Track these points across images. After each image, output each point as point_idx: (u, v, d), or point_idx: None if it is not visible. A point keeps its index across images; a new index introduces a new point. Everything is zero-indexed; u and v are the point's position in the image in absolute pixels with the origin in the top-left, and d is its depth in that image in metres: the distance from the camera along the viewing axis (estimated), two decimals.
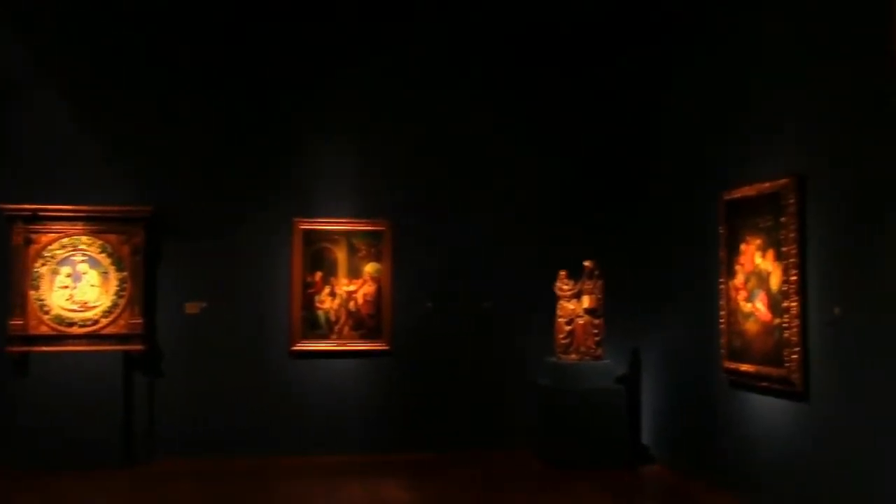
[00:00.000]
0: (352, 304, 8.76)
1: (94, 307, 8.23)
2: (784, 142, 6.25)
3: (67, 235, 8.21)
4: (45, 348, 8.08)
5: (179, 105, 8.55)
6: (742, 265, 6.72)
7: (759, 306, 6.44)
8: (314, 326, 8.70)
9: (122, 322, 8.24)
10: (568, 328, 8.50)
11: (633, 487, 8.01)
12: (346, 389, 8.71)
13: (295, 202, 8.72)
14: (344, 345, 8.74)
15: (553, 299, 8.56)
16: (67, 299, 8.19)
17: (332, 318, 8.73)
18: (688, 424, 7.95)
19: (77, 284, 8.21)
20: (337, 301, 8.74)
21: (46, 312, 8.13)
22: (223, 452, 8.33)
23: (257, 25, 8.70)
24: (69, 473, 7.75)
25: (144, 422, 8.33)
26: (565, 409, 8.28)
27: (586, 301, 8.43)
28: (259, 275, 8.67)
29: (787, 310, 6.00)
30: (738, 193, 6.75)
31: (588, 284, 8.45)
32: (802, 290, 5.90)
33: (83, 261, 8.23)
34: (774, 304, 6.22)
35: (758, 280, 6.47)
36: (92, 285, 8.24)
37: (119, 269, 8.27)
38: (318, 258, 8.73)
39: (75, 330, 8.18)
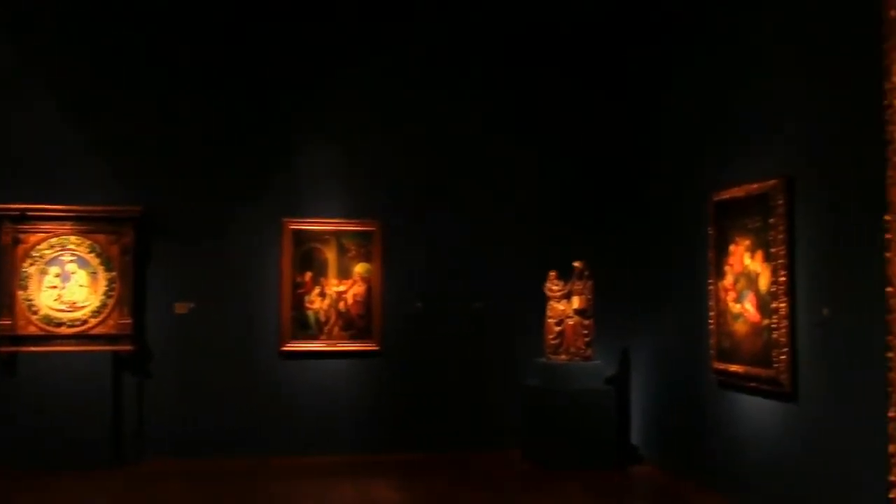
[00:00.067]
0: (341, 304, 8.75)
1: (83, 307, 8.20)
2: (773, 143, 6.27)
3: (56, 235, 8.18)
4: (33, 348, 8.05)
5: (170, 105, 8.53)
6: (731, 266, 6.74)
7: (748, 307, 6.46)
8: (304, 327, 8.69)
9: (111, 322, 8.21)
10: (558, 329, 8.51)
11: (622, 488, 8.03)
12: (335, 390, 8.70)
13: (285, 202, 8.70)
14: (334, 345, 8.73)
15: (543, 300, 8.57)
16: (56, 299, 8.16)
17: (322, 318, 8.72)
18: (677, 425, 7.98)
19: (66, 284, 8.18)
20: (327, 301, 8.73)
21: (35, 312, 8.09)
22: (212, 453, 8.31)
23: (246, 26, 8.68)
24: (58, 473, 7.71)
25: (133, 422, 8.30)
26: (555, 409, 8.29)
27: (576, 302, 8.45)
28: (248, 275, 8.65)
29: (776, 311, 6.02)
30: (727, 194, 6.77)
31: (578, 285, 8.46)
32: (791, 291, 5.92)
33: (72, 261, 8.20)
34: (763, 305, 6.24)
35: (747, 281, 6.49)
36: (81, 285, 8.21)
37: (108, 269, 8.24)
38: (308, 258, 8.72)
39: (64, 330, 8.15)
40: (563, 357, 8.47)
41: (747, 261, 6.49)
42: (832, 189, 5.57)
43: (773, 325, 6.06)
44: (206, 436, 8.38)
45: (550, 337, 8.53)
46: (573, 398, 8.27)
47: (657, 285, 8.34)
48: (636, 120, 8.84)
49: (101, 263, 8.24)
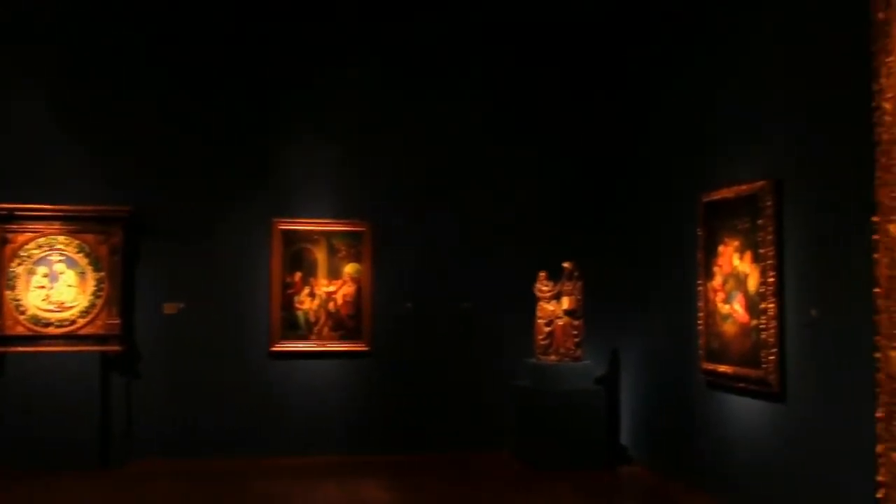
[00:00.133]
0: (331, 304, 8.74)
1: (71, 307, 8.17)
2: (761, 145, 6.29)
3: (44, 235, 8.15)
4: (21, 349, 8.01)
5: (160, 105, 8.51)
6: (720, 267, 6.76)
7: (737, 308, 6.48)
8: (293, 327, 8.67)
9: (99, 322, 8.18)
10: (547, 329, 8.52)
11: (612, 488, 8.04)
12: (325, 390, 8.69)
13: (274, 202, 8.70)
14: (323, 345, 8.72)
15: (533, 300, 8.58)
16: (44, 299, 8.12)
17: (312, 318, 8.71)
18: (666, 425, 7.99)
19: (54, 284, 8.15)
20: (316, 302, 8.72)
21: (22, 313, 8.06)
22: (201, 453, 8.28)
23: (237, 27, 8.67)
24: (46, 474, 7.66)
25: (122, 423, 8.27)
26: (545, 409, 8.30)
27: (566, 302, 8.46)
28: (238, 275, 8.63)
29: (765, 311, 6.04)
30: (716, 195, 6.80)
31: (567, 286, 8.47)
32: (779, 292, 5.94)
33: (60, 261, 8.17)
34: (752, 306, 6.26)
35: (735, 282, 6.51)
36: (69, 285, 8.18)
37: (97, 269, 8.22)
38: (298, 259, 8.71)
39: (52, 330, 8.11)
40: (553, 358, 8.48)
41: (736, 261, 6.51)
42: (821, 190, 5.59)
43: (761, 326, 6.08)
44: (195, 436, 8.36)
45: (540, 337, 8.54)
46: (563, 399, 8.28)
47: (646, 286, 8.35)
48: (625, 122, 8.85)
49: (90, 263, 8.21)
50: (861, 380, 4.61)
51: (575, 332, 8.48)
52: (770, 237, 6.00)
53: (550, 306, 8.52)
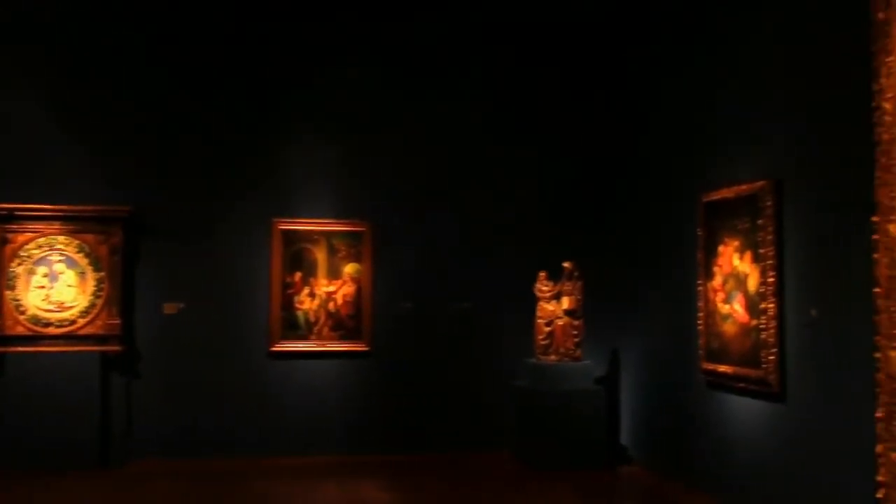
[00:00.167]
0: (331, 304, 8.74)
1: (71, 307, 8.17)
2: (761, 145, 6.29)
3: (44, 235, 8.14)
4: (21, 349, 8.01)
5: (159, 105, 8.51)
6: (720, 267, 6.76)
7: (737, 308, 6.48)
8: (293, 327, 8.67)
9: (99, 322, 8.18)
10: (547, 329, 8.52)
11: (612, 488, 8.05)
12: (325, 390, 8.69)
13: (274, 202, 8.69)
14: (323, 346, 8.72)
15: (533, 300, 8.58)
16: (44, 299, 8.12)
17: (312, 318, 8.71)
18: (666, 425, 7.99)
19: (54, 284, 8.15)
20: (316, 302, 8.72)
21: (22, 313, 8.06)
22: (201, 453, 8.29)
23: (236, 27, 8.67)
24: (45, 474, 7.66)
25: (122, 423, 8.27)
26: (544, 410, 8.30)
27: (566, 302, 8.46)
28: (238, 275, 8.63)
29: (765, 311, 6.04)
30: (716, 195, 6.80)
31: (567, 286, 8.48)
32: (779, 292, 5.94)
33: (60, 261, 8.17)
34: (752, 306, 6.26)
35: (735, 282, 6.51)
36: (69, 285, 8.18)
37: (96, 269, 8.21)
38: (298, 259, 8.71)
39: (52, 330, 8.11)
40: (553, 358, 8.48)
41: (736, 261, 6.51)
42: (821, 190, 5.59)
43: (761, 326, 6.08)
44: (195, 436, 8.36)
45: (540, 337, 8.54)
46: (563, 399, 8.28)
47: (646, 286, 8.35)
48: (625, 122, 8.86)
49: (90, 263, 8.21)
50: (861, 380, 4.62)
51: (575, 332, 8.49)
52: (770, 237, 6.00)
53: (550, 306, 8.52)
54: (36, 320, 8.09)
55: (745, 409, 6.43)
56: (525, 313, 8.61)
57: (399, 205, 8.92)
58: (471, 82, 9.07)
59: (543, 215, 9.13)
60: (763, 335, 6.06)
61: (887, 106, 4.02)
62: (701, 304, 7.04)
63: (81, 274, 8.21)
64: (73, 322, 8.15)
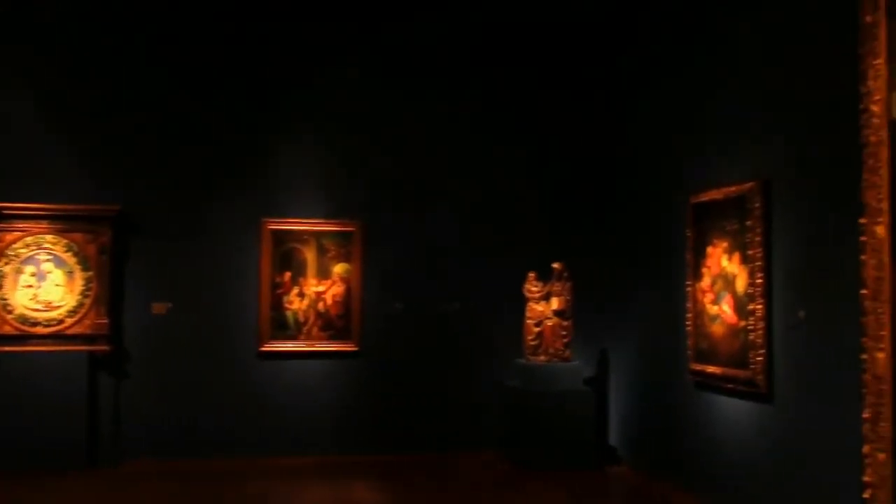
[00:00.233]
0: (321, 304, 8.73)
1: (59, 307, 8.13)
2: (750, 146, 6.31)
3: (32, 234, 8.11)
4: (8, 348, 7.98)
5: (148, 104, 8.48)
6: (709, 268, 6.78)
7: (726, 309, 6.50)
8: (283, 327, 8.66)
9: (87, 322, 8.15)
10: (537, 330, 8.53)
11: (601, 489, 8.05)
12: (314, 390, 8.68)
13: (264, 202, 8.68)
14: (312, 346, 8.71)
15: (522, 301, 8.59)
16: (31, 299, 8.09)
17: (301, 318, 8.70)
18: (654, 425, 8.01)
19: (41, 284, 8.12)
20: (306, 302, 8.71)
21: (10, 312, 8.02)
22: (190, 454, 8.27)
23: (228, 26, 8.65)
24: (33, 474, 7.63)
25: (110, 423, 8.24)
26: (534, 410, 8.31)
27: (555, 303, 8.47)
28: (227, 275, 8.62)
29: (753, 312, 6.06)
30: (705, 197, 6.81)
31: (557, 286, 8.49)
32: (768, 293, 5.96)
33: (48, 260, 8.13)
34: (740, 307, 6.28)
35: (724, 283, 6.53)
36: (57, 285, 8.15)
37: (85, 268, 8.18)
38: (287, 258, 8.69)
39: (39, 330, 8.08)
40: (542, 358, 8.49)
41: (725, 262, 6.53)
42: (809, 192, 5.61)
43: (749, 327, 6.10)
44: (184, 436, 8.34)
45: (529, 338, 8.55)
46: (552, 399, 8.29)
47: (635, 287, 8.37)
48: (615, 122, 8.88)
49: (78, 263, 8.18)
50: (848, 381, 4.64)
51: (564, 333, 8.50)
52: (758, 238, 6.02)
53: (540, 307, 8.54)
54: (23, 320, 8.05)
55: (733, 410, 6.45)
56: (515, 314, 8.62)
57: (388, 205, 8.92)
58: (459, 83, 9.06)
59: (532, 216, 9.14)
60: (751, 336, 6.07)
61: (875, 108, 4.04)
62: (689, 304, 7.06)
63: (69, 273, 8.17)
64: (60, 322, 8.12)
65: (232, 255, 8.63)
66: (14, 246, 8.07)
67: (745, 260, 6.21)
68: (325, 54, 8.82)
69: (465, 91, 9.07)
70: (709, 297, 6.77)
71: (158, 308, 8.45)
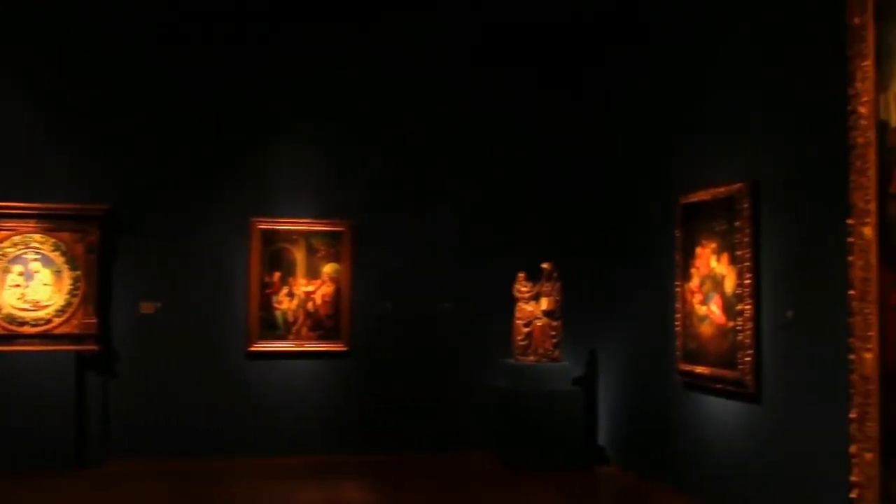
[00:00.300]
0: (310, 304, 8.72)
1: (47, 306, 8.10)
2: (739, 147, 6.33)
3: (19, 233, 8.07)
4: None
5: (137, 102, 8.45)
6: (697, 268, 6.80)
7: (714, 309, 6.52)
8: (272, 327, 8.64)
9: (75, 322, 8.12)
10: (526, 330, 8.54)
11: (590, 489, 8.07)
12: (303, 391, 8.66)
13: (253, 202, 8.66)
14: (302, 346, 8.69)
15: (511, 301, 8.60)
16: (19, 298, 8.05)
17: (290, 318, 8.68)
18: (643, 426, 8.03)
19: (29, 283, 8.08)
20: (295, 301, 8.69)
21: None
22: (178, 453, 8.24)
23: (213, 25, 8.62)
24: (21, 474, 7.59)
25: (98, 422, 8.21)
26: (523, 410, 8.31)
27: (544, 303, 8.48)
28: (216, 275, 8.59)
29: (741, 313, 6.09)
30: (694, 197, 6.83)
31: (546, 286, 8.50)
32: (756, 294, 5.98)
33: (36, 259, 8.10)
34: (729, 307, 6.30)
35: (713, 283, 6.55)
36: (44, 284, 8.11)
37: (73, 267, 8.15)
38: (277, 258, 8.68)
39: (27, 329, 8.04)
40: (532, 358, 8.50)
41: (713, 263, 6.55)
42: (797, 193, 5.64)
43: (738, 327, 6.12)
44: (172, 436, 8.31)
45: (519, 338, 8.56)
46: (541, 399, 8.30)
47: (624, 287, 8.38)
48: (605, 122, 8.89)
49: (66, 262, 8.14)
50: (835, 381, 4.66)
51: (553, 333, 8.51)
52: (747, 239, 6.04)
53: (529, 307, 8.54)
54: (11, 319, 8.01)
55: (721, 410, 6.47)
56: (504, 314, 8.62)
57: (379, 205, 8.91)
58: (453, 83, 9.04)
59: (521, 216, 9.15)
60: (739, 336, 6.10)
61: (862, 110, 4.06)
62: (678, 305, 7.08)
63: (57, 273, 8.14)
64: (48, 321, 8.08)
65: (221, 255, 8.60)
66: (1, 245, 8.03)
67: (733, 260, 6.23)
68: (319, 54, 8.79)
69: (455, 93, 9.06)
70: (697, 297, 6.79)
71: (147, 308, 8.42)
